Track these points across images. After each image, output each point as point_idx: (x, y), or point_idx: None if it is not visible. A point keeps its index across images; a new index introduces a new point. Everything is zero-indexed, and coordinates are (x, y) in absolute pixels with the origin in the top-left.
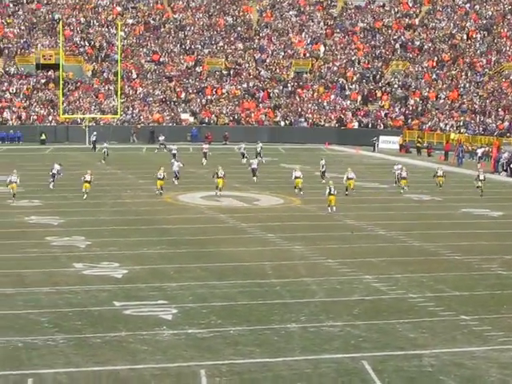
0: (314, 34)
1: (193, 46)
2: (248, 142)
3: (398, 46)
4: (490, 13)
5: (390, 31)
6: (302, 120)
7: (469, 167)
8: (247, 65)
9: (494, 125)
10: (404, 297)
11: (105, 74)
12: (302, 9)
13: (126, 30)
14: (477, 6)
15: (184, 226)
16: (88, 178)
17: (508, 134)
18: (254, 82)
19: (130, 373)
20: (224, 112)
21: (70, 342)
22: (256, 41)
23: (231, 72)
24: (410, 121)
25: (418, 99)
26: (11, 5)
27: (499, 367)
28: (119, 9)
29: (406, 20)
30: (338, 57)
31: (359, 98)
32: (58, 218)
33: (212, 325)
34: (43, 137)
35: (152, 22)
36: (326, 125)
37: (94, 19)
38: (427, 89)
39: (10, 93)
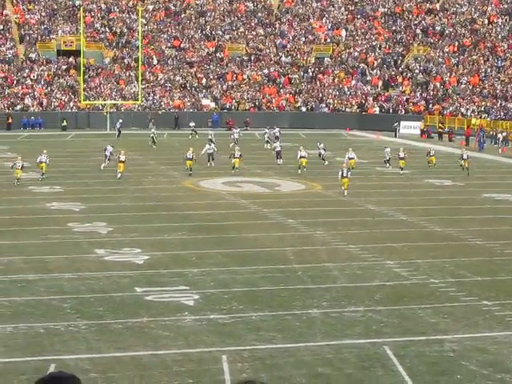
0: (335, 20)
1: (213, 32)
2: (269, 128)
3: (418, 31)
4: None
5: (410, 16)
6: (323, 105)
7: (490, 152)
8: (268, 50)
9: None
10: (425, 282)
11: (126, 60)
12: None
13: (146, 15)
14: None
15: (205, 211)
16: (122, 158)
17: None
18: (274, 67)
19: (151, 358)
20: (245, 98)
21: (92, 327)
22: (277, 26)
23: (252, 58)
24: (431, 106)
25: (438, 84)
26: None
27: None
28: None
29: (427, 5)
30: (359, 42)
31: (380, 83)
32: (80, 204)
33: (233, 310)
34: (64, 123)
35: (173, 7)
36: (347, 110)
37: (115, 5)
38: (448, 74)
39: (32, 79)
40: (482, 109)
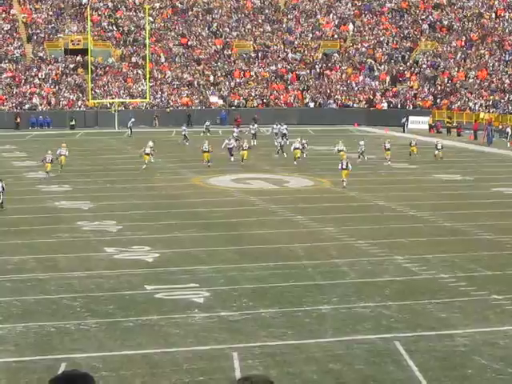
0: (342, 15)
1: (221, 29)
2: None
3: (426, 26)
4: None
5: (417, 11)
6: (331, 101)
7: (499, 146)
8: (275, 47)
9: None
10: (435, 277)
11: (133, 59)
12: None
13: (153, 13)
14: None
15: (214, 208)
16: (148, 150)
17: None
18: (282, 64)
19: (162, 356)
20: (253, 94)
21: (103, 326)
22: (284, 23)
23: (259, 54)
24: (439, 101)
25: (446, 79)
26: None
27: None
28: None
29: (434, 0)
30: (367, 38)
31: (388, 78)
32: (89, 203)
33: (244, 307)
34: (73, 122)
35: (179, 5)
36: (355, 106)
37: (122, 3)
38: (456, 68)
39: (39, 78)
40: (490, 103)
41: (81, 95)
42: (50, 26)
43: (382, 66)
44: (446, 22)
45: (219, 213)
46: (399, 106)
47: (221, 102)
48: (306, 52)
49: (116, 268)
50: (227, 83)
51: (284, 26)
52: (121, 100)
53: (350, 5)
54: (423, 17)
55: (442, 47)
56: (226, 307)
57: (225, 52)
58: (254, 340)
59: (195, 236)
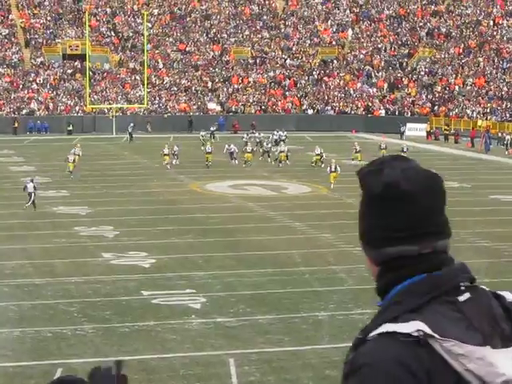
0: (340, 22)
1: (219, 35)
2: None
3: (423, 33)
4: None
5: (415, 18)
6: (329, 108)
7: (497, 154)
8: (273, 53)
9: None
10: None
11: (131, 64)
12: None
13: (151, 19)
14: None
15: (212, 214)
16: (166, 151)
17: None
18: (280, 70)
19: (159, 362)
20: (251, 101)
21: (99, 331)
22: (282, 29)
23: (257, 61)
24: (436, 108)
25: (444, 86)
26: None
27: None
28: None
29: (432, 7)
30: (364, 44)
31: (386, 85)
32: (86, 208)
33: (241, 313)
34: (70, 127)
35: (178, 11)
36: (353, 112)
37: (120, 9)
38: (454, 76)
39: (37, 83)
40: (488, 110)
41: (78, 100)
42: (48, 32)
43: (380, 73)
44: (443, 30)
45: (216, 219)
46: (397, 112)
47: (219, 108)
48: (303, 58)
49: (113, 273)
50: (225, 89)
51: (282, 32)
52: (118, 105)
53: (348, 11)
54: (421, 24)
55: (439, 54)
56: (223, 313)
57: (223, 58)
58: (251, 346)
59: (192, 242)
